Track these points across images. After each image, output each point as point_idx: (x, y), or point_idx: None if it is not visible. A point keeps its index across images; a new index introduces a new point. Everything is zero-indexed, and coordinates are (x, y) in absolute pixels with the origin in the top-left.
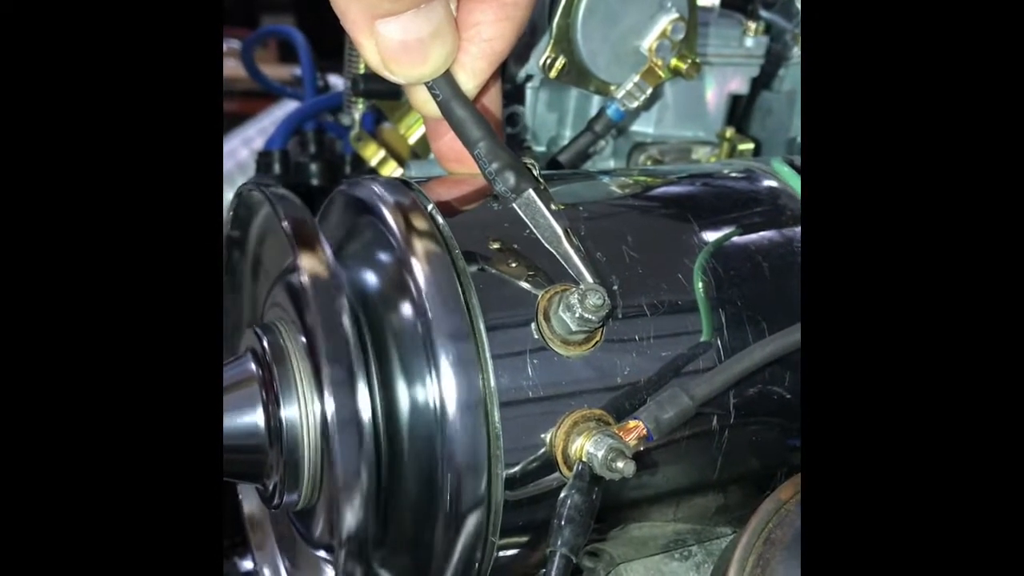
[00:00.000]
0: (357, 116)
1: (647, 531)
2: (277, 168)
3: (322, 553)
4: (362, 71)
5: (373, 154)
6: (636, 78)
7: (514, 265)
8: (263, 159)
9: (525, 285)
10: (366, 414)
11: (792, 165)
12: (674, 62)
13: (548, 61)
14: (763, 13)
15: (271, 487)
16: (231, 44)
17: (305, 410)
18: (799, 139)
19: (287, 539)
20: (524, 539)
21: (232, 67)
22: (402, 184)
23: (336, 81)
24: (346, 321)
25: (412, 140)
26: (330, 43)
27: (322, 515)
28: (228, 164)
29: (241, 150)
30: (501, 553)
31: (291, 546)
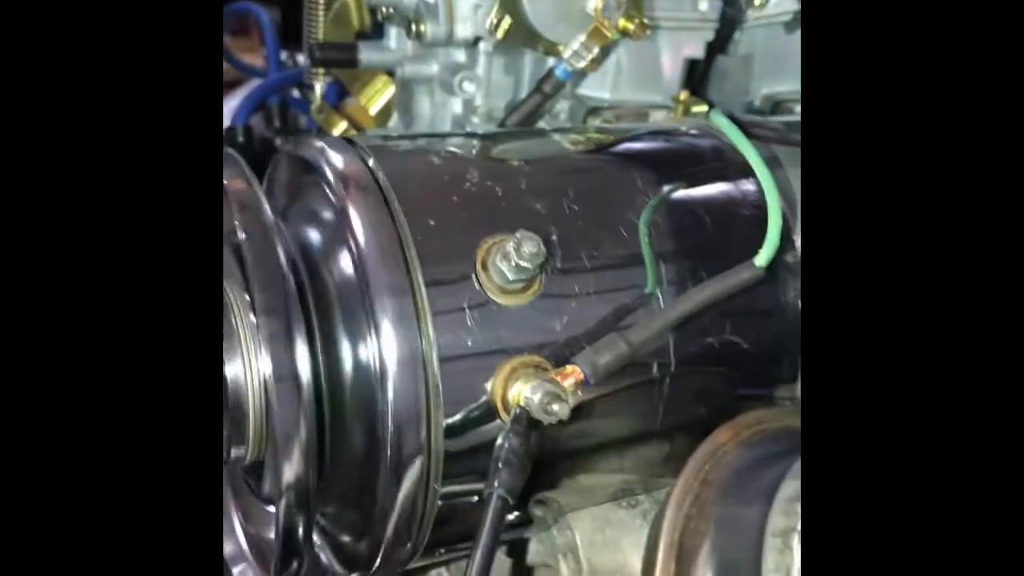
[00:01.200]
0: (319, 89)
1: (594, 480)
2: (241, 142)
3: (271, 508)
4: (320, 40)
5: (335, 126)
6: (582, 38)
7: (453, 218)
8: (227, 134)
9: (464, 237)
10: (304, 367)
11: (730, 117)
12: (622, 22)
13: (495, 21)
14: None
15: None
16: None
17: (248, 366)
18: (756, 102)
19: (241, 494)
20: (466, 487)
21: None
22: (345, 142)
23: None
24: (284, 277)
25: (374, 111)
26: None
27: (269, 470)
28: None
29: None
30: (444, 501)
31: (245, 501)
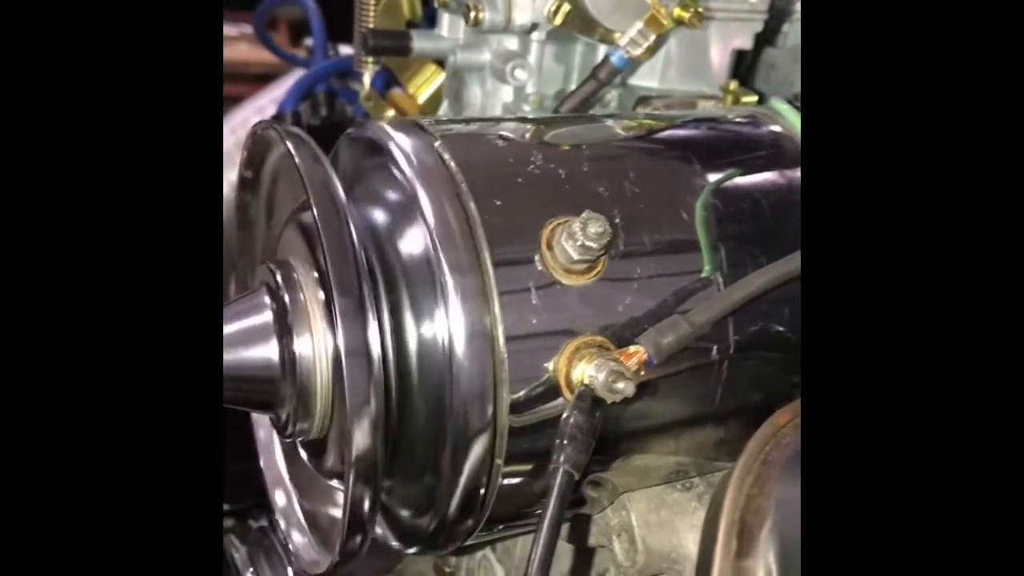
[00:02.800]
0: (368, 77)
1: (649, 462)
2: None
3: (333, 482)
4: (372, 27)
5: (383, 114)
6: (640, 25)
7: (519, 198)
8: (277, 120)
9: (529, 218)
10: (375, 342)
11: (791, 103)
12: (677, 11)
13: (553, 8)
14: None
15: (284, 417)
16: (242, 29)
17: (318, 342)
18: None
19: (298, 472)
20: (528, 466)
21: (244, 51)
22: (411, 123)
23: (347, 51)
24: (357, 255)
25: (422, 99)
26: (340, 22)
27: (334, 445)
28: (241, 133)
29: (254, 119)
30: (506, 480)
31: (302, 478)
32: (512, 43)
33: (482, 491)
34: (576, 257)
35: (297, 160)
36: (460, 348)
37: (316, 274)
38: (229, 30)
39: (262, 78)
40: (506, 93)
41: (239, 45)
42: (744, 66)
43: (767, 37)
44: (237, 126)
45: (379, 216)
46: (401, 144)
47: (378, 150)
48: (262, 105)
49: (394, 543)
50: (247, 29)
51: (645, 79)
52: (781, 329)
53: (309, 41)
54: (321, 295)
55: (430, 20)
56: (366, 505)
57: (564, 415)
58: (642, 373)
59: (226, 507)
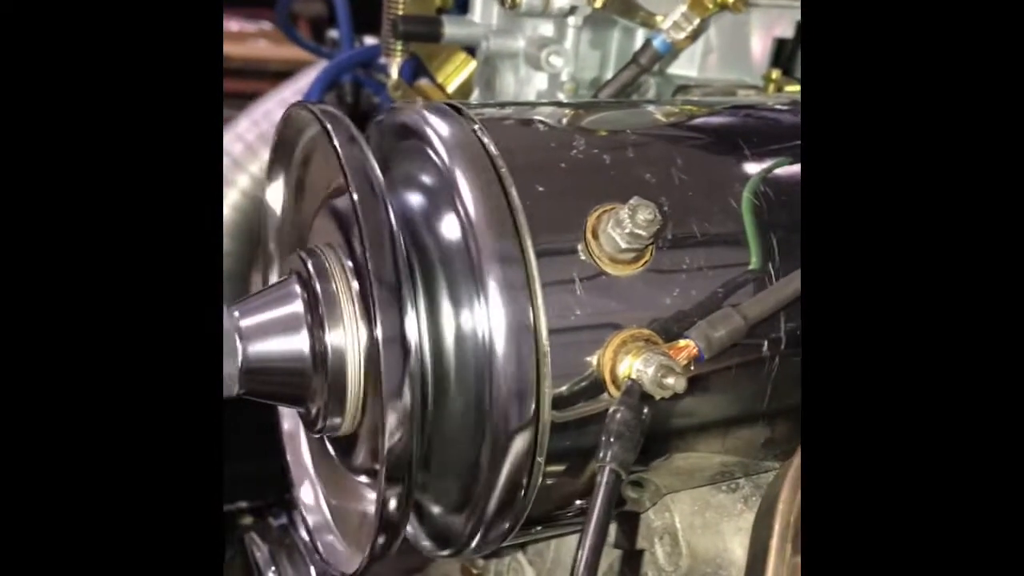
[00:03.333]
0: (396, 66)
1: (694, 462)
2: None
3: (363, 478)
4: (401, 12)
5: None
6: (683, 8)
7: (563, 184)
8: None
9: (574, 205)
10: (413, 333)
11: None
12: None
13: None
14: None
15: (314, 411)
16: (262, 25)
17: (351, 333)
18: None
19: (326, 468)
20: (571, 464)
21: (264, 48)
22: (448, 107)
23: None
24: (396, 242)
25: (452, 88)
26: (365, 15)
27: (365, 440)
28: (264, 126)
29: (277, 111)
30: (547, 479)
31: (330, 474)
32: (547, 28)
33: (522, 490)
34: (624, 246)
35: (335, 141)
36: (500, 341)
37: (351, 263)
38: (248, 27)
39: (282, 75)
40: (540, 80)
41: (259, 42)
42: (785, 55)
43: None
44: (259, 118)
45: (415, 202)
46: (438, 128)
47: (413, 134)
48: (285, 97)
49: (426, 544)
50: (267, 26)
51: (684, 68)
52: None
53: (332, 33)
54: (355, 285)
55: (461, 8)
56: (398, 502)
57: (611, 411)
58: (691, 368)
59: (246, 504)
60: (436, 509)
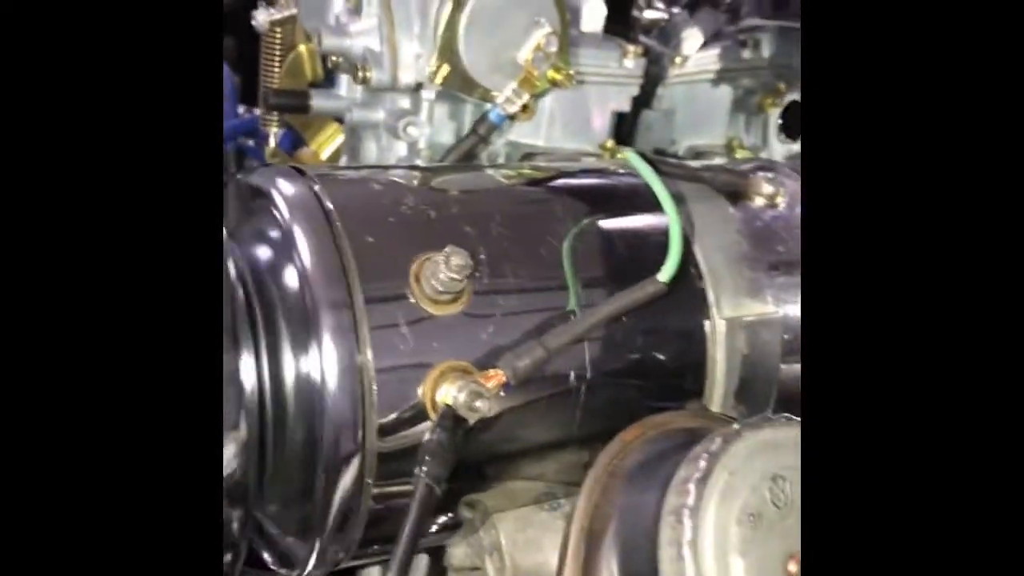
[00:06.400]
0: (272, 135)
1: (519, 484)
2: None
3: None
4: (274, 85)
5: None
6: (514, 85)
7: (391, 236)
8: None
9: (399, 254)
10: (248, 373)
11: (643, 157)
12: (550, 73)
13: (434, 69)
14: (642, 38)
15: None
16: None
17: None
18: (680, 152)
19: None
20: (400, 488)
21: None
22: (293, 170)
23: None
24: (232, 289)
25: (325, 155)
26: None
27: None
28: None
29: None
30: (378, 501)
31: None
32: (404, 101)
33: (354, 512)
34: (441, 288)
35: None
36: (332, 379)
37: None
38: None
39: None
40: (400, 148)
41: None
42: (625, 127)
43: (644, 100)
44: None
45: (261, 254)
46: (280, 187)
47: (261, 193)
48: None
49: (276, 568)
50: None
51: (530, 136)
52: (636, 356)
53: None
54: None
55: (331, 80)
56: (239, 524)
57: (427, 435)
58: (502, 394)
59: None
60: (281, 534)
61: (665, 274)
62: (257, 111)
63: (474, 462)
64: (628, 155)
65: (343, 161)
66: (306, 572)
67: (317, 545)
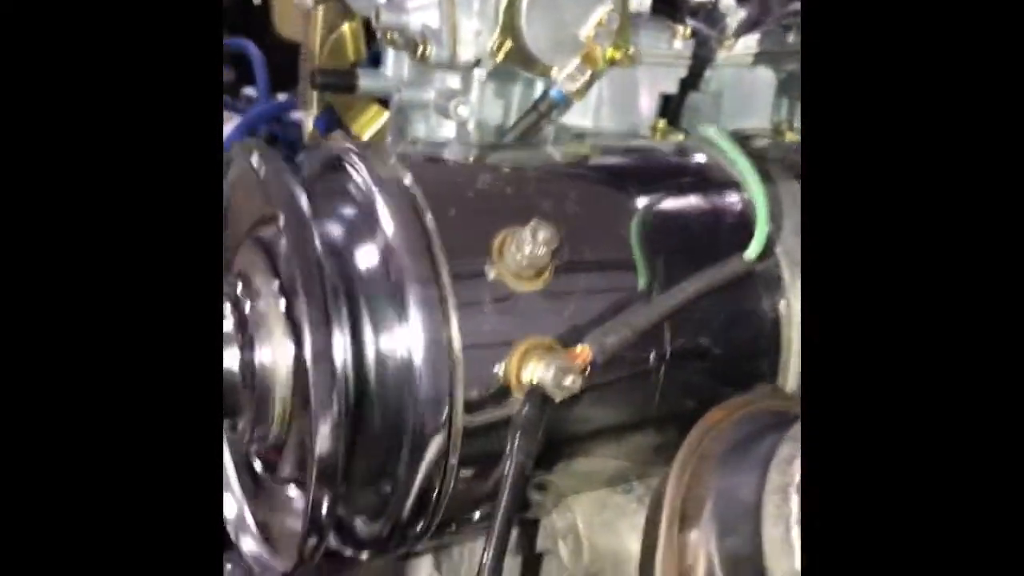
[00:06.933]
0: (311, 118)
1: (592, 465)
2: None
3: (290, 489)
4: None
5: None
6: (576, 61)
7: (472, 211)
8: None
9: (482, 229)
10: (339, 348)
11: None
12: (610, 52)
13: (496, 44)
14: (689, 20)
15: (241, 425)
16: None
17: (278, 350)
18: None
19: (247, 481)
20: (482, 466)
21: None
22: (366, 144)
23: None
24: (322, 267)
25: (365, 138)
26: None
27: (291, 451)
28: None
29: None
30: (459, 481)
31: (251, 487)
32: (455, 81)
33: (435, 493)
34: (526, 263)
35: (264, 173)
36: (418, 354)
37: (277, 283)
38: None
39: None
40: (449, 129)
41: None
42: (671, 109)
43: (691, 82)
44: None
45: (338, 230)
46: (359, 160)
47: (337, 166)
48: None
49: (346, 549)
50: None
51: (579, 118)
52: (714, 337)
53: (247, 91)
54: (282, 305)
55: (373, 61)
56: (325, 507)
57: (516, 411)
58: (587, 371)
59: None
60: (356, 516)
61: (753, 251)
62: (281, 96)
63: (547, 442)
64: (711, 132)
65: (388, 142)
66: (385, 552)
67: (395, 527)
